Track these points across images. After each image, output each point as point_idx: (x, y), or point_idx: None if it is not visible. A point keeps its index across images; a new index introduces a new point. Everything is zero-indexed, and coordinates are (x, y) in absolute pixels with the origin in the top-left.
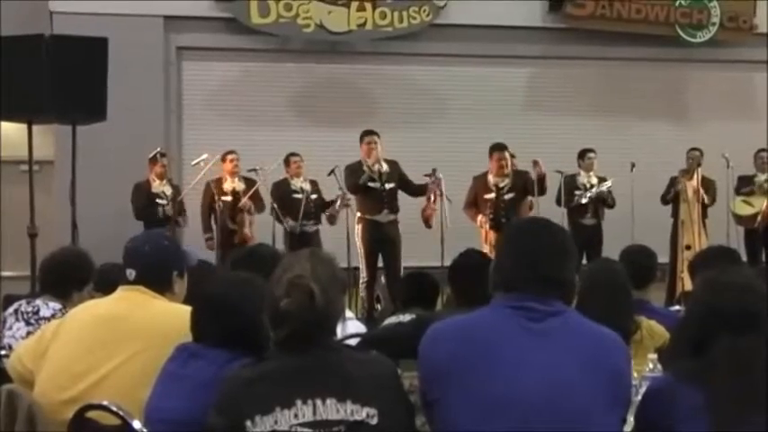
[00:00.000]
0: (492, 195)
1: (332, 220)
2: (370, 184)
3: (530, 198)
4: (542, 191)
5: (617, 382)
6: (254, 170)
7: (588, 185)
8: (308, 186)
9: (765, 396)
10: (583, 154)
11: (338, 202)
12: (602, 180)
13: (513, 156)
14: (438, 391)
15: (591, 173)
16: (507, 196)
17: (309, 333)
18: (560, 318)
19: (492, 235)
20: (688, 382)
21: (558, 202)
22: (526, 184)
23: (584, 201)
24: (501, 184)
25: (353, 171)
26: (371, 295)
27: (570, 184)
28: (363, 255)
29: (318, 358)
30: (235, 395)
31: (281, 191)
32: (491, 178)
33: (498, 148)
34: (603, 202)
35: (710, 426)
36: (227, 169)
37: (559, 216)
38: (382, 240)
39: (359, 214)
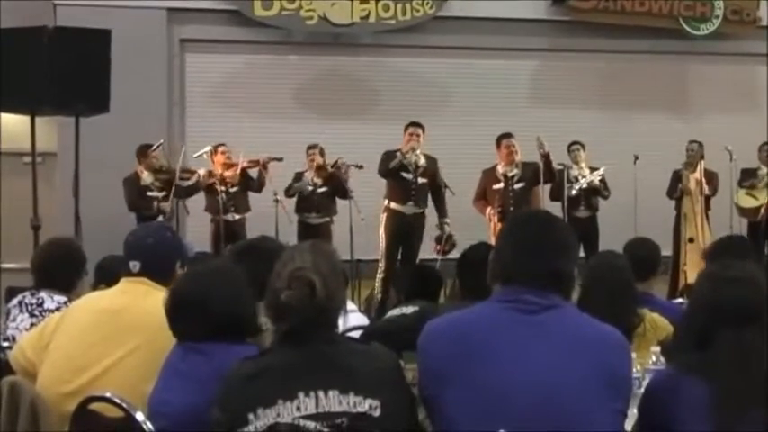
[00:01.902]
0: (500, 185)
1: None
2: (403, 174)
3: (541, 188)
4: (551, 174)
5: (614, 377)
6: (256, 161)
7: (580, 177)
8: (318, 179)
9: (764, 392)
10: (569, 147)
11: (342, 169)
12: (594, 170)
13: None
14: (435, 388)
15: (582, 165)
16: (517, 186)
17: (311, 325)
18: (557, 311)
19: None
20: (690, 376)
21: (552, 197)
22: (536, 174)
23: (573, 192)
24: (510, 174)
25: (388, 156)
26: (387, 288)
27: (560, 177)
28: (384, 245)
29: (320, 350)
30: (236, 390)
31: (296, 181)
32: (500, 168)
33: (506, 136)
34: (597, 192)
35: (712, 419)
36: (220, 161)
37: (556, 210)
38: (406, 233)
39: (385, 203)
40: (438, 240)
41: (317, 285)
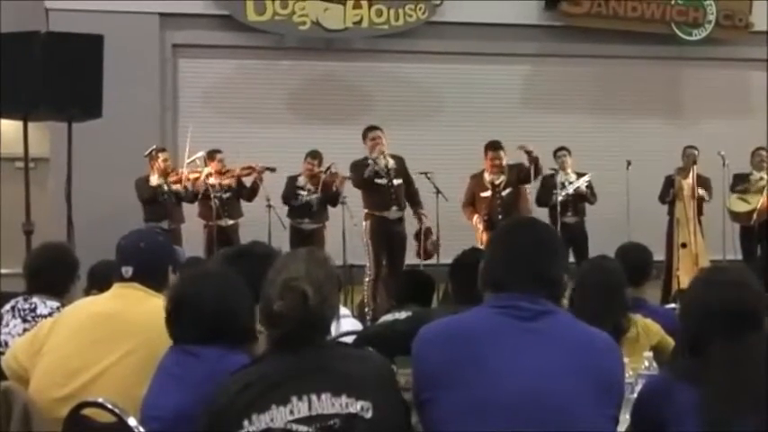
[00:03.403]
0: (488, 193)
1: (335, 197)
2: (378, 181)
3: (527, 188)
4: (537, 172)
5: (607, 383)
6: (251, 168)
7: (566, 183)
8: (311, 186)
9: (759, 397)
10: (555, 153)
11: (337, 181)
12: (580, 176)
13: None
14: (429, 393)
15: (568, 170)
16: (504, 192)
17: (303, 334)
18: (551, 317)
19: (486, 235)
20: (683, 381)
21: (539, 203)
22: (520, 175)
23: (559, 198)
24: (497, 181)
25: (358, 166)
26: (376, 293)
27: (548, 183)
28: (372, 251)
29: (313, 356)
30: (230, 400)
31: (290, 186)
32: (487, 176)
33: (493, 147)
34: (583, 198)
35: (703, 425)
36: (215, 168)
37: (543, 215)
38: (391, 237)
39: (366, 210)
40: (417, 236)
41: (309, 295)
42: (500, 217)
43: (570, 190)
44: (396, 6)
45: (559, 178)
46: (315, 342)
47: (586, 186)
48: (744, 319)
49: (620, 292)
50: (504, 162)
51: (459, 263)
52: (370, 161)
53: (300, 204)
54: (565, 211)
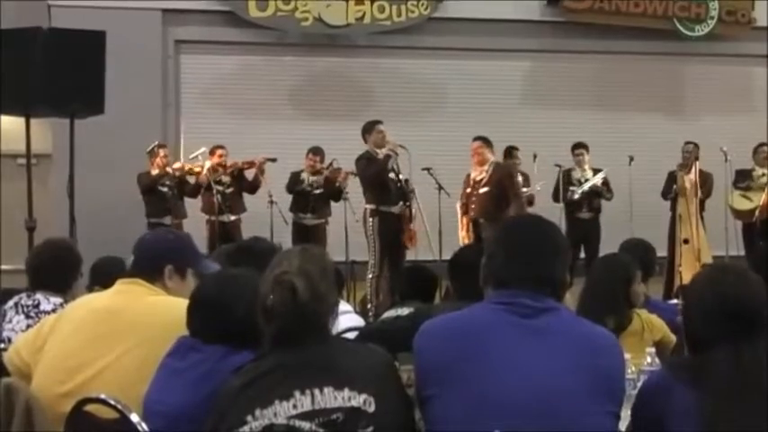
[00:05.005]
0: (469, 190)
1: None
2: (391, 176)
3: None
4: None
5: (608, 379)
6: (251, 163)
7: (583, 180)
8: (314, 181)
9: (759, 397)
10: (573, 150)
11: (340, 177)
12: (596, 172)
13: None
14: (431, 388)
15: (585, 167)
16: (481, 191)
17: (297, 328)
18: (553, 315)
19: (465, 220)
20: (683, 379)
21: (555, 198)
22: (503, 178)
23: (576, 196)
24: (478, 178)
25: (372, 161)
26: (379, 289)
27: (565, 179)
28: (378, 248)
29: (315, 351)
30: (233, 396)
31: (292, 181)
32: (472, 172)
33: (477, 139)
34: (599, 194)
35: (702, 423)
36: (214, 162)
37: (557, 211)
38: (397, 232)
39: (372, 206)
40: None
41: (299, 289)
42: (471, 214)
43: (586, 187)
44: (398, 2)
45: (575, 175)
46: (313, 337)
47: (602, 183)
48: (745, 318)
49: (624, 286)
50: (490, 158)
51: (457, 260)
52: (391, 155)
53: (303, 193)
54: (580, 207)
